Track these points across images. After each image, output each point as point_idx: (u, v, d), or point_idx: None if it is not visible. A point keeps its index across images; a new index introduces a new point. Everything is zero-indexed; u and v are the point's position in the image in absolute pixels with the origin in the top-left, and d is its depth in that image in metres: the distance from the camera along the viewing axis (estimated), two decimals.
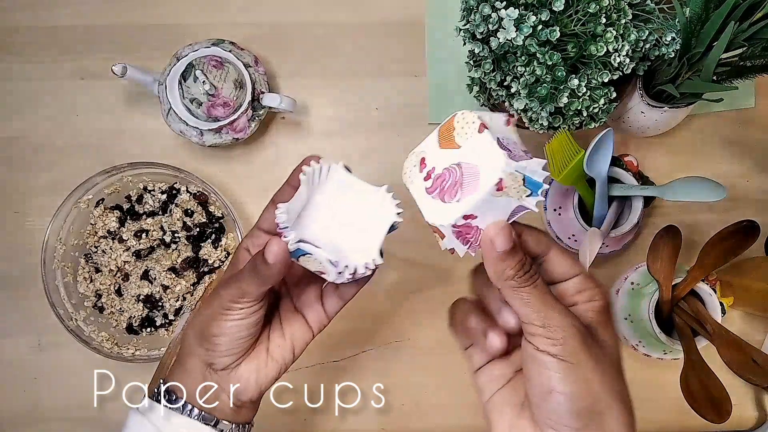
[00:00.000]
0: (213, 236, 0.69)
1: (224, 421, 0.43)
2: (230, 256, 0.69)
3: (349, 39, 0.73)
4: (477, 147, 0.36)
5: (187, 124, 0.65)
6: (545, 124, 0.58)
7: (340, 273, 0.39)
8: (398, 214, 0.41)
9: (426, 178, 0.38)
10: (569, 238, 0.67)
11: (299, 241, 0.39)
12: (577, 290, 0.38)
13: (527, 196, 0.36)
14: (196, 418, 0.42)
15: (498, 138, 0.36)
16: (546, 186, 0.36)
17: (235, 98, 0.66)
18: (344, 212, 0.42)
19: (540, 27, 0.53)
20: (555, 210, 0.68)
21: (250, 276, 0.39)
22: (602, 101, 0.57)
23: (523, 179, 0.36)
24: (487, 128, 0.36)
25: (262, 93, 0.67)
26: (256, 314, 0.41)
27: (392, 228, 0.41)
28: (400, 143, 0.73)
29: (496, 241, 0.35)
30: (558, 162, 0.61)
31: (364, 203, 0.42)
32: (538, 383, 0.35)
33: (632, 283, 0.65)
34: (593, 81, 0.56)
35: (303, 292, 0.46)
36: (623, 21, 0.55)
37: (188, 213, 0.68)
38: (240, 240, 0.66)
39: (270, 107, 0.67)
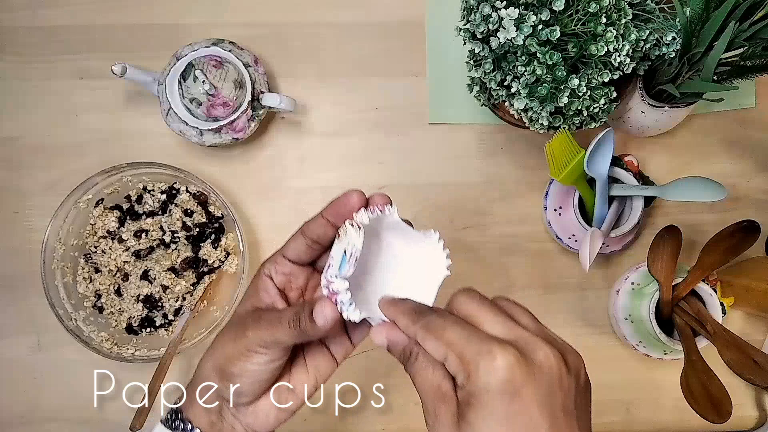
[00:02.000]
0: (213, 236, 0.69)
1: None
2: (230, 256, 0.69)
3: (349, 39, 0.73)
4: None
5: (187, 124, 0.65)
6: (545, 123, 0.58)
7: None
8: (448, 267, 0.40)
9: None
10: (569, 238, 0.67)
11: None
12: (453, 372, 0.33)
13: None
14: None
15: (344, 252, 0.37)
16: (347, 301, 0.36)
17: (234, 98, 0.66)
18: (395, 265, 0.40)
19: (540, 27, 0.53)
20: (555, 210, 0.68)
21: (290, 329, 0.37)
22: (602, 101, 0.57)
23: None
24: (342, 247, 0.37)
25: (262, 93, 0.67)
26: (283, 358, 0.39)
27: None
28: (400, 143, 0.73)
29: (373, 340, 0.37)
30: (558, 162, 0.61)
31: (414, 254, 0.40)
32: None
33: (633, 283, 0.65)
34: (593, 81, 0.56)
35: None
36: (623, 21, 0.55)
37: (188, 213, 0.68)
38: (241, 237, 0.66)
39: (270, 107, 0.67)
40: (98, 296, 0.68)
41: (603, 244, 0.63)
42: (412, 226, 0.40)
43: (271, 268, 0.42)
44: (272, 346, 0.38)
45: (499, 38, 0.54)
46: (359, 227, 0.37)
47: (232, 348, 0.39)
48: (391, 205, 0.39)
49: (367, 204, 0.38)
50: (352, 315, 0.36)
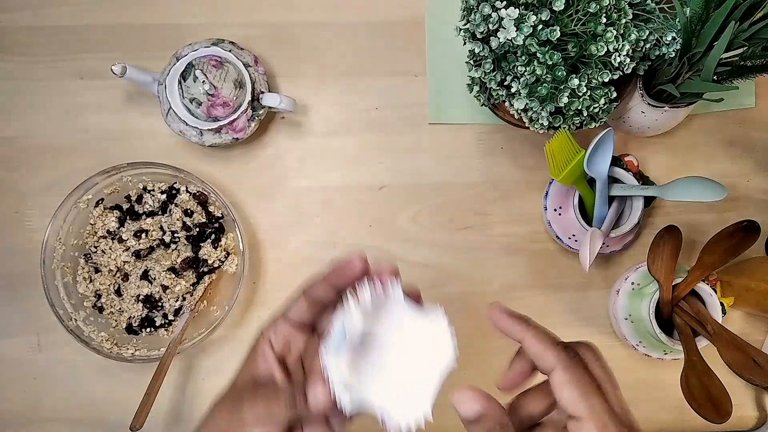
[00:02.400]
0: (213, 236, 0.69)
1: None
2: (230, 256, 0.69)
3: (349, 39, 0.73)
4: None
5: (187, 124, 0.65)
6: (545, 123, 0.58)
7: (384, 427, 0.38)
8: (456, 358, 0.38)
9: None
10: (569, 238, 0.67)
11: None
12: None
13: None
14: None
15: (342, 325, 0.36)
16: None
17: (234, 98, 0.66)
18: (397, 349, 0.39)
19: (540, 27, 0.53)
20: (555, 210, 0.68)
21: (286, 407, 0.37)
22: (602, 101, 0.57)
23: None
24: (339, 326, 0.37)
25: (262, 93, 0.67)
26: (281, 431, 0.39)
27: None
28: (400, 143, 0.73)
29: (459, 408, 0.37)
30: (558, 162, 0.61)
31: (418, 334, 0.39)
32: None
33: (633, 283, 0.65)
34: (593, 81, 0.56)
35: None
36: (624, 21, 0.55)
37: (188, 213, 0.68)
38: (241, 238, 0.66)
39: (270, 107, 0.67)
40: (98, 296, 0.68)
41: (603, 244, 0.63)
42: (420, 298, 0.39)
43: (271, 333, 0.41)
44: (268, 422, 0.37)
45: (499, 38, 0.54)
46: (358, 304, 0.36)
47: (228, 422, 0.38)
48: (397, 278, 0.38)
49: (370, 273, 0.38)
50: (342, 399, 0.36)
